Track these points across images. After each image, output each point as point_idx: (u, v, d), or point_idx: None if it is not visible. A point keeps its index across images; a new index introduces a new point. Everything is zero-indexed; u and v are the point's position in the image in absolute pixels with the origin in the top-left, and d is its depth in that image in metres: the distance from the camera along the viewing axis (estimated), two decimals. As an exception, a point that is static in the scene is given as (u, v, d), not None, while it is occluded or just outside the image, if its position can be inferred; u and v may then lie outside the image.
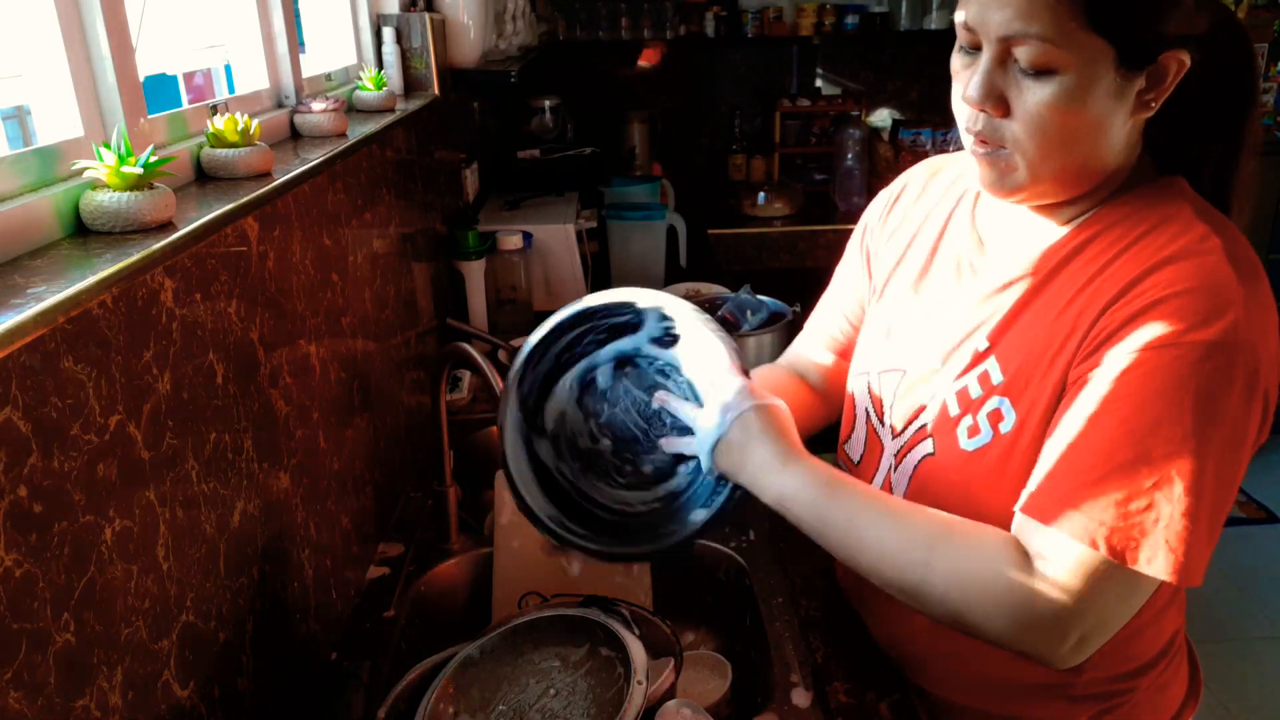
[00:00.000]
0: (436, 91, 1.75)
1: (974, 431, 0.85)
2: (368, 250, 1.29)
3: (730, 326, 1.70)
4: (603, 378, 0.95)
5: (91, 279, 0.62)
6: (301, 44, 1.44)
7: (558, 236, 2.10)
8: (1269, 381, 0.74)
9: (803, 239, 3.20)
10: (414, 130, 1.61)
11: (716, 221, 3.23)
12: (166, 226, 0.75)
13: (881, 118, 3.65)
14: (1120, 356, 0.74)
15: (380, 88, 1.48)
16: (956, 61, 0.81)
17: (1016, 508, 0.78)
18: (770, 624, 1.12)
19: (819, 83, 3.67)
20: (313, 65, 1.53)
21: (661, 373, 0.94)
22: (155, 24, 1.13)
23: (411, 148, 1.59)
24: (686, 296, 1.81)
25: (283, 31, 1.28)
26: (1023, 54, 0.74)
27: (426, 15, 1.73)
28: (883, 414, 0.96)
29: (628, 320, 0.93)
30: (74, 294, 0.60)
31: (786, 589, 1.19)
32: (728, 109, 3.57)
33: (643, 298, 0.92)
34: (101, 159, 0.74)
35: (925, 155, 3.81)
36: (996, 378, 0.84)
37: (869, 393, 0.99)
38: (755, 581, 1.21)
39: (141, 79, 0.87)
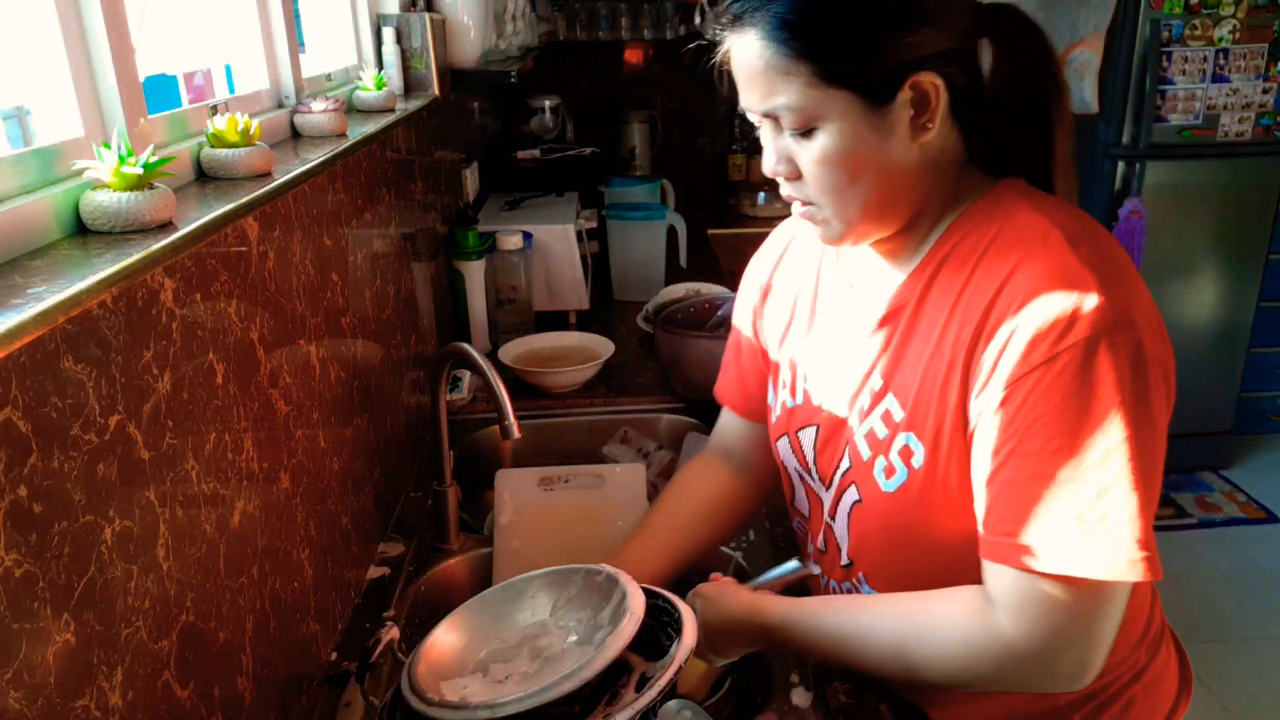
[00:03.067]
0: (436, 91, 1.75)
1: (890, 471, 0.87)
2: (368, 250, 1.29)
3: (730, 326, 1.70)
4: None
5: (91, 279, 0.62)
6: (301, 44, 1.44)
7: (558, 236, 2.10)
8: (1153, 344, 0.75)
9: (803, 239, 3.20)
10: (414, 130, 1.61)
11: (716, 221, 3.23)
12: (166, 226, 0.75)
13: (881, 118, 3.65)
14: (1013, 383, 0.75)
15: (380, 88, 1.48)
16: (761, 137, 0.86)
17: (981, 555, 0.80)
18: (770, 624, 1.12)
19: (819, 83, 3.66)
20: (313, 65, 1.52)
21: None
22: (155, 24, 1.13)
23: (411, 148, 1.59)
24: (686, 296, 1.82)
25: (283, 31, 1.28)
26: (785, 121, 0.81)
27: (426, 15, 1.73)
28: (808, 469, 0.99)
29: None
30: (74, 294, 0.59)
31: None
32: (728, 109, 3.57)
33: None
34: (101, 159, 0.74)
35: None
36: (898, 415, 0.86)
37: (794, 452, 1.01)
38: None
39: (141, 79, 0.87)
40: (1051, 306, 0.73)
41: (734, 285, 1.92)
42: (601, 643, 0.81)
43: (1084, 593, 0.74)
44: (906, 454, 0.85)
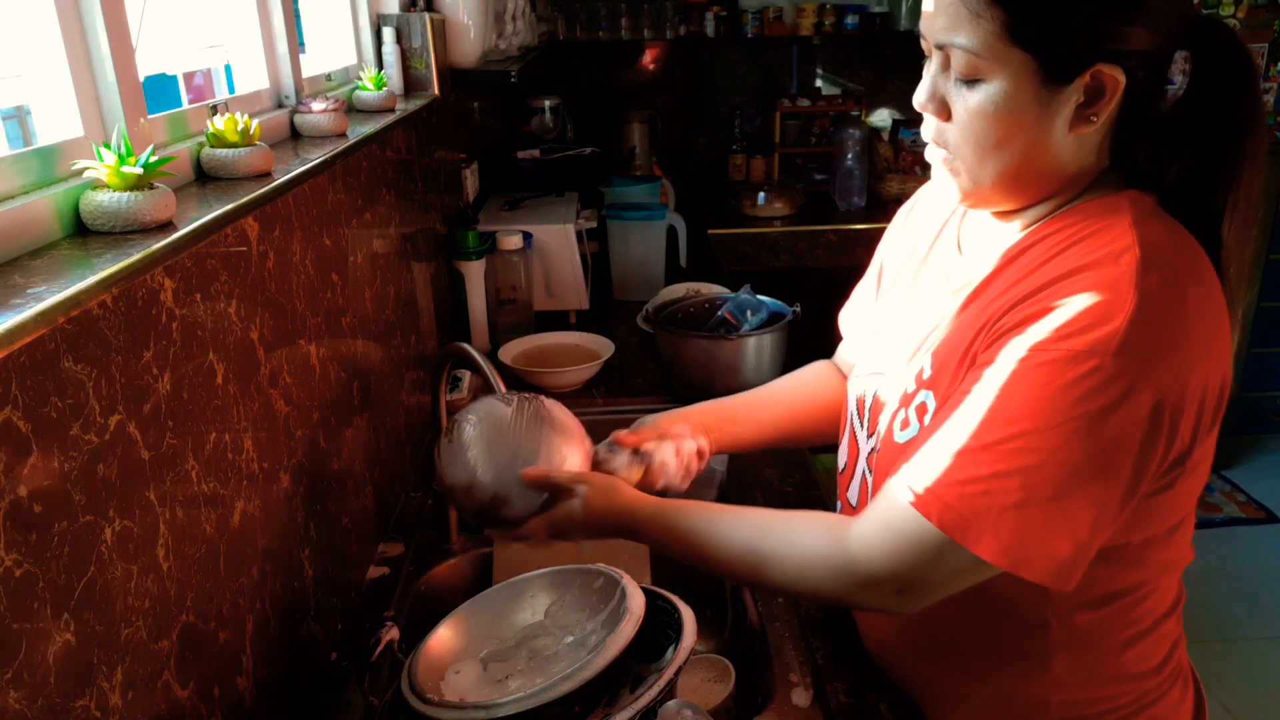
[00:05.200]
0: (436, 91, 1.75)
1: (905, 424, 0.88)
2: (368, 250, 1.29)
3: (730, 327, 1.70)
4: None
5: (91, 279, 0.62)
6: (301, 44, 1.44)
7: (558, 236, 2.10)
8: (1174, 397, 0.72)
9: (803, 239, 3.20)
10: (414, 130, 1.61)
11: (716, 221, 3.23)
12: (166, 226, 0.75)
13: (881, 118, 3.65)
14: (1001, 353, 0.76)
15: (380, 88, 1.48)
16: (925, 69, 0.83)
17: (888, 478, 0.82)
18: (770, 624, 1.12)
19: (819, 83, 3.67)
20: (313, 65, 1.53)
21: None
22: (155, 24, 1.13)
23: (411, 148, 1.59)
24: (686, 296, 1.82)
25: (283, 31, 1.28)
26: (954, 62, 0.78)
27: (426, 15, 1.73)
28: (863, 417, 0.99)
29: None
30: (74, 294, 0.60)
31: (786, 589, 1.19)
32: (728, 109, 3.58)
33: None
34: (101, 159, 0.74)
35: (924, 155, 3.82)
36: (927, 373, 0.87)
37: (856, 396, 1.01)
38: (755, 581, 1.21)
39: (141, 79, 0.87)
40: (1074, 312, 0.73)
41: (734, 285, 1.93)
42: (601, 643, 0.81)
43: (935, 541, 0.77)
44: (922, 410, 0.86)
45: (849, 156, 3.32)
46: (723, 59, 3.57)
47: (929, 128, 0.83)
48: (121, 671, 0.66)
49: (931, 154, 0.85)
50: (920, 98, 0.82)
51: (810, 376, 1.22)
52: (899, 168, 3.35)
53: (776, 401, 1.20)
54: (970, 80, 0.77)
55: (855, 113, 3.49)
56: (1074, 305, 0.74)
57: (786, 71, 3.64)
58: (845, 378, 1.19)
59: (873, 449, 0.95)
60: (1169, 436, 0.74)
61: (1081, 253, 0.77)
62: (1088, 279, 0.75)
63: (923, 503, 0.77)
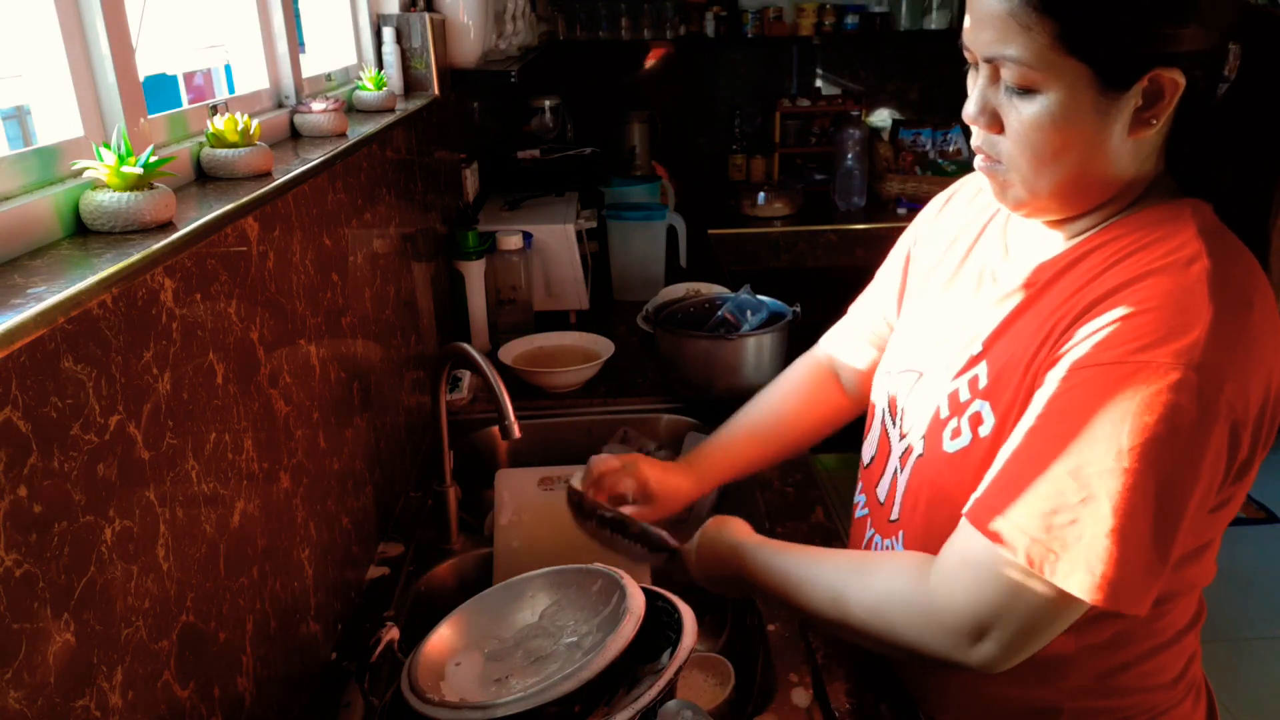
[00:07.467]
0: (436, 91, 1.75)
1: (956, 434, 0.86)
2: (368, 250, 1.29)
3: (730, 326, 1.70)
4: None
5: (91, 279, 0.62)
6: (301, 44, 1.44)
7: (558, 236, 2.10)
8: (1241, 411, 0.71)
9: (803, 239, 3.20)
10: (414, 130, 1.61)
11: (716, 221, 3.23)
12: (166, 226, 0.75)
13: (881, 118, 3.65)
14: (1073, 368, 0.74)
15: (380, 88, 1.48)
16: (969, 78, 0.81)
17: (963, 510, 0.79)
18: (770, 624, 1.12)
19: (819, 83, 3.67)
20: (313, 65, 1.52)
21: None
22: (155, 24, 1.13)
23: (411, 148, 1.59)
24: (686, 296, 1.82)
25: (283, 31, 1.28)
26: (1007, 74, 0.76)
27: (426, 15, 1.73)
28: (895, 414, 0.97)
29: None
30: (74, 294, 0.60)
31: (786, 589, 1.19)
32: (728, 109, 3.58)
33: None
34: (101, 159, 0.74)
35: (925, 155, 3.82)
36: (983, 382, 0.85)
37: (886, 392, 1.00)
38: (755, 581, 1.21)
39: (141, 79, 0.87)
40: (1151, 319, 0.71)
41: (734, 285, 1.93)
42: (601, 643, 0.81)
43: (1021, 577, 0.73)
44: (976, 420, 0.84)
45: (849, 156, 3.32)
46: (723, 59, 3.57)
47: (978, 140, 0.81)
48: (121, 671, 0.66)
49: (981, 166, 0.83)
50: (970, 110, 0.80)
51: (800, 393, 1.21)
52: (899, 168, 3.35)
53: (770, 429, 1.21)
54: (1024, 91, 0.75)
55: (855, 113, 3.49)
56: (1146, 314, 0.71)
57: (786, 71, 3.64)
58: (832, 372, 1.20)
59: (907, 449, 0.93)
60: (1233, 449, 0.73)
61: (1145, 260, 0.76)
62: (1155, 286, 0.73)
63: (1005, 535, 0.73)
